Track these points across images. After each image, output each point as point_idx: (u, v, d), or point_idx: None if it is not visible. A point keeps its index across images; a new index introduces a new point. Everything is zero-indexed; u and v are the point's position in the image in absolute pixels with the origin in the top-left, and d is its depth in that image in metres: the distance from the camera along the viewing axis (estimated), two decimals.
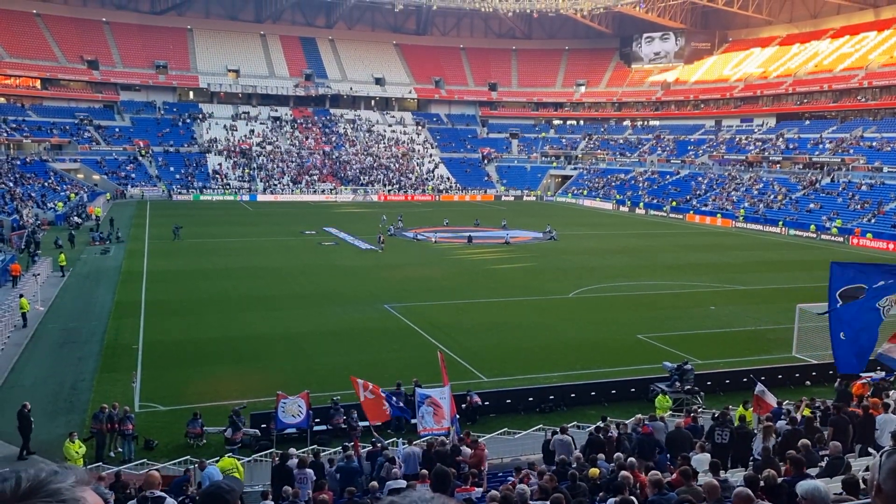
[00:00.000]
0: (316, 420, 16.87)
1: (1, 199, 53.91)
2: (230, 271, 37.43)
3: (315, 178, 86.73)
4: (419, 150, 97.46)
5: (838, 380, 18.51)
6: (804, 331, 23.28)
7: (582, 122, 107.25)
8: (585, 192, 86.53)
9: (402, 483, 11.33)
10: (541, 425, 17.12)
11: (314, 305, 30.18)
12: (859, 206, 58.89)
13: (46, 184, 67.45)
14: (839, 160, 69.41)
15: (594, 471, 10.67)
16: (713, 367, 22.13)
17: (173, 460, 15.12)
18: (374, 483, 11.80)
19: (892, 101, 73.76)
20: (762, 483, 7.93)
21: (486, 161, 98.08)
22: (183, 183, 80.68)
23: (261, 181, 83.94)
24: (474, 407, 18.27)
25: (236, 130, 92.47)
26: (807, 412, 14.06)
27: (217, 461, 13.56)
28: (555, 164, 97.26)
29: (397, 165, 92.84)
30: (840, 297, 14.47)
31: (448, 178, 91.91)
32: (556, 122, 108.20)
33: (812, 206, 62.11)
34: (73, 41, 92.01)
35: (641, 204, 76.30)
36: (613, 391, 19.93)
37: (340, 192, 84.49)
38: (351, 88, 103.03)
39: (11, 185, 60.91)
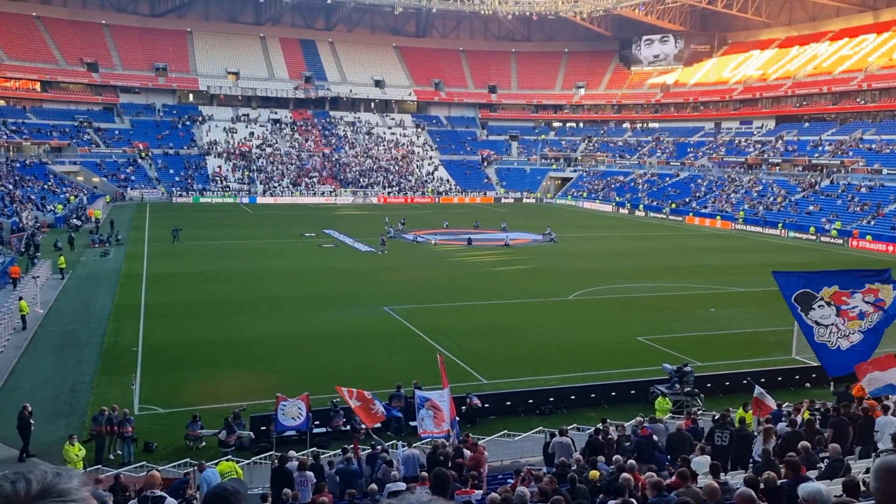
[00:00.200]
0: (316, 422, 16.86)
1: (0, 201, 53.89)
2: (230, 274, 37.42)
3: (315, 180, 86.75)
4: (419, 153, 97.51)
5: (833, 383, 18.54)
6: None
7: (581, 125, 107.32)
8: (585, 195, 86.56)
9: (402, 486, 11.32)
10: (540, 427, 17.11)
11: (314, 308, 30.18)
12: (859, 209, 58.92)
13: (46, 186, 67.45)
14: (838, 162, 69.46)
15: (594, 473, 10.66)
16: (713, 369, 22.12)
17: (173, 463, 15.11)
18: (374, 486, 11.79)
19: (891, 104, 73.81)
20: (762, 485, 7.92)
21: (485, 163, 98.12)
22: (182, 185, 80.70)
23: (260, 183, 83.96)
24: (474, 409, 18.26)
25: (236, 133, 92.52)
26: (807, 415, 14.05)
27: (217, 464, 13.55)
28: (554, 167, 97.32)
29: (397, 168, 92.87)
30: (796, 302, 14.81)
31: (448, 181, 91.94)
32: (555, 124, 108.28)
33: (811, 208, 62.15)
34: (73, 43, 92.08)
35: (641, 206, 76.34)
36: (613, 393, 19.92)
37: (340, 195, 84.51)
38: (351, 91, 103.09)
39: (11, 187, 60.90)
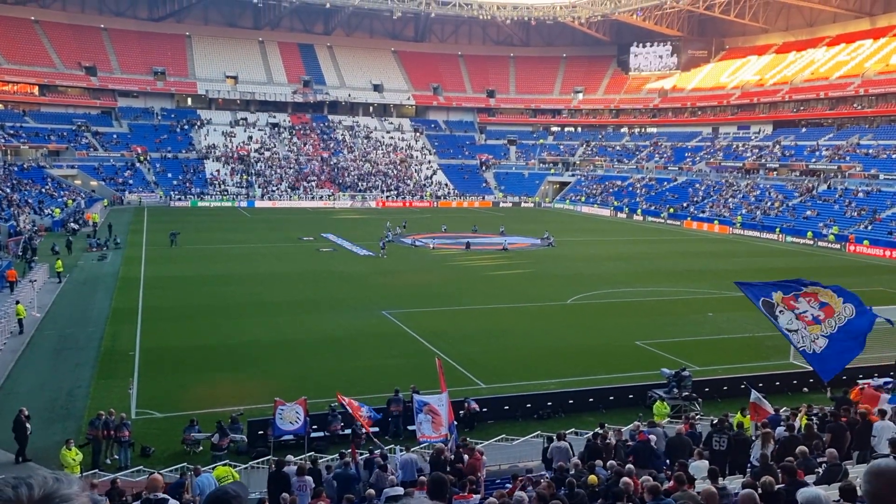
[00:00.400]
0: (313, 427, 16.83)
1: None
2: (228, 278, 37.39)
3: (313, 184, 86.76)
4: (417, 157, 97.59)
5: (829, 388, 18.56)
6: None
7: (580, 129, 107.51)
8: (583, 199, 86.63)
9: (400, 490, 11.30)
10: (539, 432, 17.10)
11: (312, 312, 30.16)
12: (856, 213, 59.04)
13: (44, 190, 67.38)
14: (836, 167, 69.61)
15: (593, 478, 10.65)
16: (711, 373, 22.14)
17: (170, 467, 15.07)
18: (371, 490, 11.76)
19: (888, 109, 74.02)
20: (760, 490, 7.92)
21: (484, 167, 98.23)
22: (181, 189, 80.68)
23: (259, 187, 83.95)
24: (472, 413, 18.25)
25: (234, 137, 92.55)
26: (805, 420, 14.05)
27: (213, 469, 13.52)
28: (552, 171, 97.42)
29: (395, 172, 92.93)
30: (765, 311, 14.99)
31: (446, 185, 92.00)
32: (553, 128, 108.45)
33: (809, 212, 62.25)
34: (72, 47, 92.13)
35: (639, 210, 76.44)
36: (611, 398, 19.92)
37: (338, 199, 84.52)
38: (349, 95, 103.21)
39: (9, 191, 60.87)
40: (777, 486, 8.26)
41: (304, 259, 44.31)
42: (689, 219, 70.10)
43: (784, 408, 16.76)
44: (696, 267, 44.26)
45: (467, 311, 31.05)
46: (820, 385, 20.41)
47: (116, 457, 16.32)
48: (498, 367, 23.08)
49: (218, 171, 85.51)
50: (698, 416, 17.56)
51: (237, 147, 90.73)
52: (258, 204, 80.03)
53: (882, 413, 12.91)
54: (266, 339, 25.78)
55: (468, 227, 59.97)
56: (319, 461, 14.26)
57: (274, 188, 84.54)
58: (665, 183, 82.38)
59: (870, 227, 55.94)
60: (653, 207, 76.21)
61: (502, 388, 20.89)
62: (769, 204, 67.26)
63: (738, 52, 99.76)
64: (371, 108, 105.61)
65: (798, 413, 15.17)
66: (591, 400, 19.78)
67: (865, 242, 53.12)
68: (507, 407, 19.20)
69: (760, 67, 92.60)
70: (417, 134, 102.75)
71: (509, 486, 12.10)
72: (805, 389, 21.02)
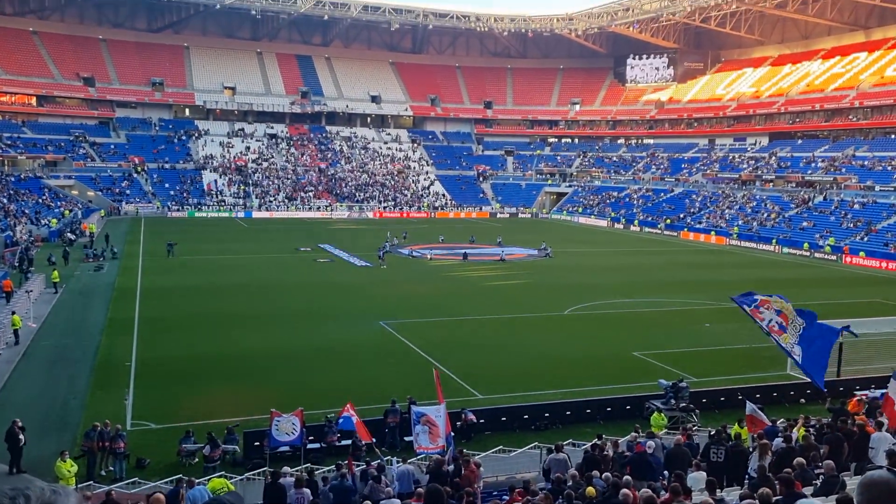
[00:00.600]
0: (310, 438, 16.76)
1: None
2: (224, 288, 37.33)
3: (310, 194, 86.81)
4: (415, 168, 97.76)
5: (829, 399, 18.55)
6: None
7: (577, 140, 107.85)
8: (580, 210, 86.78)
9: (397, 502, 11.25)
10: (536, 443, 17.04)
11: (309, 322, 30.10)
12: (852, 225, 59.19)
13: (41, 200, 67.34)
14: (831, 179, 69.86)
15: (590, 490, 10.61)
16: (708, 384, 22.11)
17: (165, 479, 14.98)
18: (368, 502, 11.70)
19: (883, 121, 74.40)
20: (758, 502, 7.90)
21: (481, 178, 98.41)
22: (178, 200, 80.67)
23: (256, 198, 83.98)
24: (469, 424, 18.18)
25: (232, 147, 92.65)
26: (803, 431, 14.03)
27: (208, 481, 13.44)
28: (550, 182, 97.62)
29: (393, 182, 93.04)
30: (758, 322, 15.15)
31: (443, 195, 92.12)
32: (551, 139, 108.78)
33: (805, 224, 62.40)
34: (70, 58, 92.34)
35: (636, 221, 76.57)
36: (609, 409, 19.87)
37: (336, 209, 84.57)
38: (347, 106, 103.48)
39: (5, 201, 60.83)
40: (775, 498, 8.24)
41: (301, 270, 44.26)
42: (685, 230, 70.22)
43: (781, 419, 16.73)
44: (693, 278, 44.30)
45: (464, 322, 31.01)
46: (818, 396, 20.44)
47: (111, 468, 16.22)
48: (495, 377, 23.02)
49: (215, 181, 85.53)
50: (696, 428, 17.52)
51: (235, 158, 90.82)
52: (255, 214, 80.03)
53: (879, 425, 12.89)
54: (263, 350, 25.70)
55: (466, 238, 59.99)
56: (316, 473, 14.20)
57: (271, 199, 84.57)
58: (662, 194, 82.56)
59: (866, 239, 56.07)
60: (650, 218, 76.35)
61: (499, 399, 20.83)
62: (765, 215, 67.42)
63: (734, 64, 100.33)
64: (369, 119, 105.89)
65: (795, 424, 15.14)
66: (588, 411, 19.73)
67: (861, 254, 53.22)
68: (504, 418, 19.13)
69: (756, 79, 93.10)
70: (415, 145, 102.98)
71: (506, 497, 12.06)
72: (802, 401, 21.01)
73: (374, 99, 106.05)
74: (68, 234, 53.47)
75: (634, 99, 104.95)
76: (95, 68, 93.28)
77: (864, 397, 17.94)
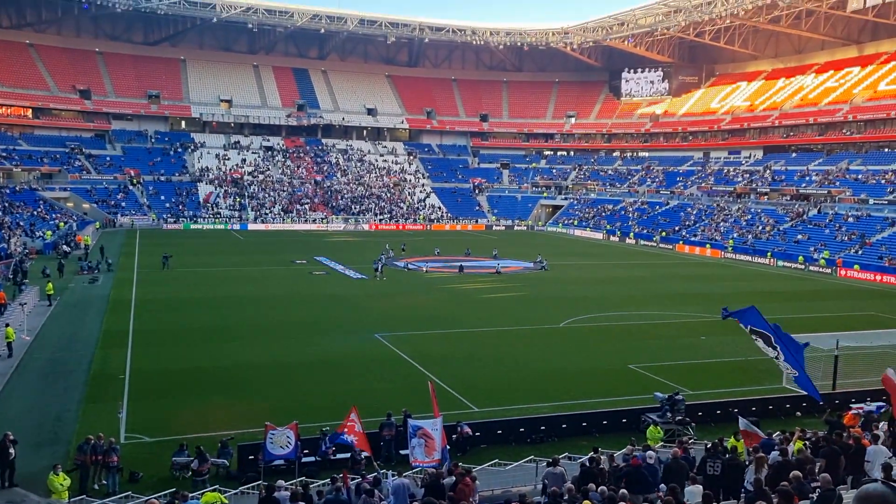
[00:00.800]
0: (304, 451, 16.67)
1: None
2: (220, 300, 37.24)
3: (306, 207, 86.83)
4: (410, 180, 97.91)
5: (828, 410, 18.54)
6: None
7: (572, 153, 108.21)
8: (576, 222, 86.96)
9: None
10: (532, 456, 16.97)
11: (304, 335, 30.02)
12: (846, 238, 59.40)
13: (35, 212, 67.21)
14: (826, 192, 70.18)
15: (587, 503, 10.57)
16: (704, 397, 22.08)
17: (158, 493, 14.87)
18: None
19: (876, 135, 74.87)
20: None
21: (477, 191, 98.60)
22: (174, 212, 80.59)
23: (252, 210, 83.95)
24: (465, 438, 18.11)
25: (228, 160, 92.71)
26: (799, 445, 14.01)
27: (201, 495, 13.35)
28: (545, 194, 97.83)
29: (389, 195, 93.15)
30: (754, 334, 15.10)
31: (439, 208, 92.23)
32: (546, 152, 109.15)
33: (800, 237, 62.60)
34: (66, 71, 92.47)
35: (631, 234, 76.71)
36: (605, 422, 19.81)
37: (332, 222, 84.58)
38: (343, 118, 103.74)
39: (0, 213, 60.67)
40: None
41: (296, 282, 44.19)
42: (681, 242, 70.37)
43: (777, 432, 16.71)
44: (689, 291, 44.36)
45: (460, 335, 30.96)
46: (814, 409, 20.44)
47: (104, 482, 16.09)
48: (491, 390, 22.97)
49: (210, 192, 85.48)
50: (692, 441, 17.48)
51: (231, 170, 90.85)
52: (251, 227, 79.98)
53: (875, 438, 12.89)
54: (258, 363, 25.61)
55: (461, 251, 60.02)
56: (311, 486, 14.11)
57: (267, 211, 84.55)
58: (657, 207, 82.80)
59: (860, 252, 56.26)
60: (645, 231, 76.52)
61: (495, 411, 20.77)
62: (760, 228, 67.64)
63: (728, 78, 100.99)
64: (365, 132, 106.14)
65: (791, 438, 15.11)
66: (584, 424, 19.67)
67: (856, 267, 53.38)
68: (499, 431, 19.06)
69: (750, 93, 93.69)
70: (411, 157, 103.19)
71: None
72: (798, 413, 21.00)
73: (371, 112, 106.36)
74: (63, 247, 53.31)
75: (629, 112, 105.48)
76: (92, 81, 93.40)
77: (859, 410, 17.93)
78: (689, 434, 18.87)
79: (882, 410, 17.94)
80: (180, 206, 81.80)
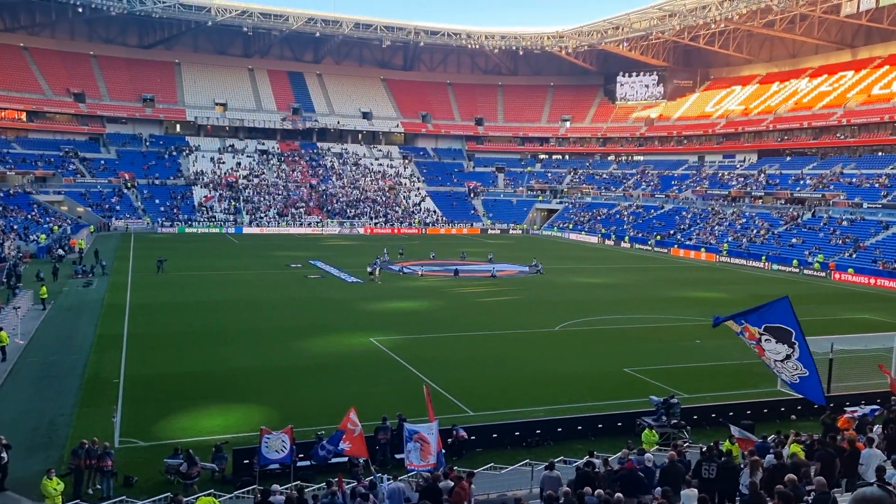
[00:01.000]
0: (299, 455, 16.62)
1: None
2: (214, 304, 37.16)
3: (301, 210, 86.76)
4: (406, 184, 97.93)
5: (828, 411, 18.55)
6: None
7: (567, 157, 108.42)
8: (571, 226, 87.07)
9: None
10: (527, 460, 16.96)
11: (299, 339, 29.96)
12: (840, 241, 59.62)
13: (30, 216, 66.99)
14: (820, 196, 70.44)
15: None
16: (699, 400, 22.10)
17: (153, 497, 14.81)
18: None
19: (870, 139, 75.20)
20: None
21: (472, 195, 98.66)
22: (168, 215, 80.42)
23: (247, 214, 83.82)
24: (461, 441, 18.08)
25: (223, 163, 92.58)
26: (794, 448, 14.03)
27: (197, 499, 13.30)
28: (540, 198, 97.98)
29: (384, 198, 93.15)
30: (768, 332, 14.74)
31: (434, 212, 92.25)
32: (541, 156, 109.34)
33: (794, 240, 62.81)
34: (60, 74, 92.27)
35: (626, 238, 76.84)
36: (600, 425, 19.81)
37: (327, 225, 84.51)
38: (338, 122, 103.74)
39: None
40: None
41: (291, 286, 44.12)
42: (676, 246, 70.52)
43: (773, 435, 16.74)
44: (684, 294, 44.43)
45: (455, 338, 30.95)
46: (809, 413, 20.47)
47: (99, 487, 16.01)
48: (486, 394, 22.95)
49: (206, 197, 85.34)
50: (687, 444, 17.49)
51: (225, 174, 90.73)
52: (246, 230, 79.87)
53: (870, 441, 12.91)
54: (253, 367, 25.55)
55: (456, 255, 60.03)
56: (306, 491, 14.07)
57: (262, 215, 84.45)
58: (652, 210, 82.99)
59: (854, 256, 56.46)
60: (640, 235, 76.67)
61: (490, 415, 20.75)
62: (755, 232, 67.84)
63: (723, 82, 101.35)
64: (360, 136, 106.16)
65: (786, 440, 15.14)
66: (579, 428, 19.66)
67: (850, 270, 53.56)
68: (495, 435, 19.04)
69: (745, 97, 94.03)
70: (406, 161, 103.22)
71: None
72: (793, 417, 21.03)
73: (366, 115, 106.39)
74: (58, 251, 53.13)
75: (624, 116, 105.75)
76: (86, 84, 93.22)
77: (853, 414, 17.96)
78: (684, 437, 18.89)
79: (876, 414, 17.98)
80: (175, 210, 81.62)
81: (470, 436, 18.47)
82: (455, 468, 14.65)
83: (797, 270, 56.58)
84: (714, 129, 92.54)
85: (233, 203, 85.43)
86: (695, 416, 20.37)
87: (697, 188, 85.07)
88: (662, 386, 23.45)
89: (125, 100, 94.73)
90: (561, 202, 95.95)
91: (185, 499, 13.07)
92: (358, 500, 12.50)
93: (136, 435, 18.86)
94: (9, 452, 15.82)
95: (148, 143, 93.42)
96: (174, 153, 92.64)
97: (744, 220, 71.61)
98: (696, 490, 11.46)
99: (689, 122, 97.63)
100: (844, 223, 62.69)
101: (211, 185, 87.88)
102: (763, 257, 60.76)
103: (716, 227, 72.04)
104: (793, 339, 13.90)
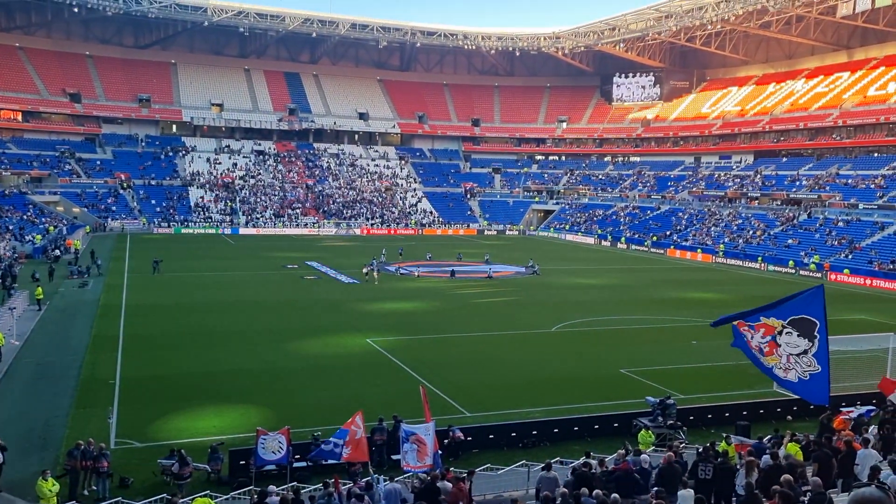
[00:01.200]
0: (296, 456, 16.59)
1: None
2: (210, 305, 37.10)
3: (298, 211, 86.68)
4: (402, 185, 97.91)
5: (828, 411, 18.54)
6: None
7: (564, 158, 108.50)
8: (567, 227, 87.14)
9: None
10: (524, 461, 16.96)
11: (295, 340, 29.92)
12: (836, 242, 59.75)
13: (25, 217, 66.83)
14: (816, 197, 70.60)
15: None
16: (696, 401, 22.13)
17: (149, 499, 14.77)
18: None
19: (866, 140, 75.39)
20: None
21: (469, 195, 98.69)
22: (164, 216, 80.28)
23: (243, 214, 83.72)
24: (457, 442, 18.07)
25: (219, 164, 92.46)
26: (791, 448, 14.04)
27: (192, 500, 13.27)
28: (537, 199, 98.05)
29: (380, 199, 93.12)
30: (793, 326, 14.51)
31: (431, 213, 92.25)
32: (538, 157, 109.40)
33: (790, 241, 62.94)
34: (56, 74, 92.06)
35: (623, 239, 76.92)
36: (596, 426, 19.82)
37: (323, 226, 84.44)
38: (335, 123, 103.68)
39: None
40: None
41: (288, 287, 44.07)
42: (672, 247, 70.61)
43: (769, 435, 16.76)
44: (680, 295, 44.49)
45: (452, 339, 30.95)
46: (805, 413, 20.50)
47: (94, 488, 15.97)
48: (483, 395, 22.94)
49: (202, 197, 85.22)
50: (683, 445, 17.50)
51: (222, 174, 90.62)
52: (242, 231, 79.77)
53: (866, 441, 12.93)
54: (249, 368, 25.51)
55: (453, 255, 60.03)
56: (302, 492, 14.06)
57: (258, 215, 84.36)
58: (648, 211, 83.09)
59: (850, 256, 56.59)
60: (636, 236, 76.74)
61: (487, 416, 20.75)
62: (751, 233, 67.96)
63: (719, 83, 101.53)
64: (356, 137, 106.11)
65: (782, 441, 15.15)
66: (576, 428, 19.67)
67: (846, 271, 53.68)
68: (491, 436, 19.04)
69: (741, 98, 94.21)
70: (402, 162, 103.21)
71: None
72: (789, 417, 21.07)
73: (362, 116, 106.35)
74: (53, 251, 52.99)
75: (621, 117, 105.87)
76: (82, 84, 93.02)
77: (849, 415, 17.98)
78: (680, 438, 18.91)
79: (872, 414, 18.00)
80: (171, 211, 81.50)
81: (466, 436, 18.46)
82: (452, 469, 14.64)
83: (793, 271, 56.69)
84: (710, 131, 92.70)
85: (229, 204, 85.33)
86: (691, 417, 20.41)
87: (694, 189, 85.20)
88: (658, 387, 23.46)
89: (121, 100, 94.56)
90: (557, 203, 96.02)
91: (180, 500, 13.03)
92: (353, 500, 12.48)
93: (131, 436, 18.81)
94: (4, 454, 15.76)
95: (144, 144, 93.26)
96: (170, 154, 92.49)
97: (740, 221, 71.74)
98: (692, 491, 11.47)
99: (685, 123, 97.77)
100: (840, 224, 62.84)
101: (207, 185, 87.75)
102: (759, 258, 60.87)
103: (712, 228, 72.15)
104: (815, 332, 13.74)
